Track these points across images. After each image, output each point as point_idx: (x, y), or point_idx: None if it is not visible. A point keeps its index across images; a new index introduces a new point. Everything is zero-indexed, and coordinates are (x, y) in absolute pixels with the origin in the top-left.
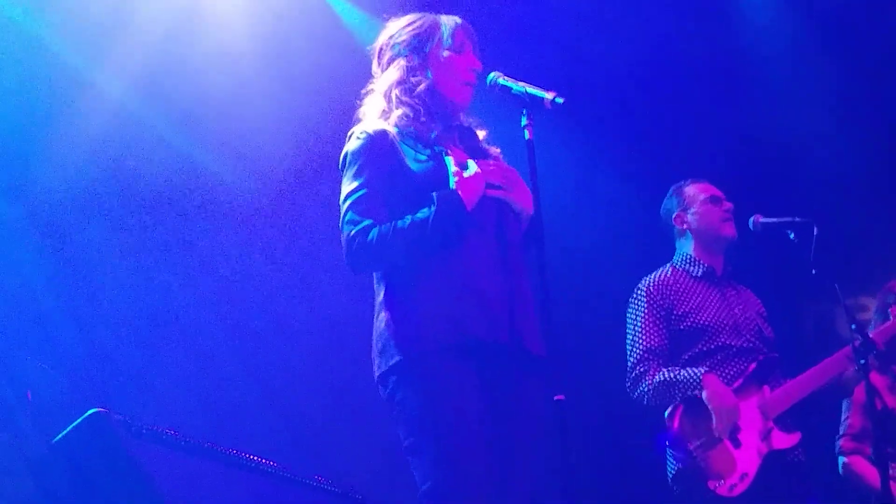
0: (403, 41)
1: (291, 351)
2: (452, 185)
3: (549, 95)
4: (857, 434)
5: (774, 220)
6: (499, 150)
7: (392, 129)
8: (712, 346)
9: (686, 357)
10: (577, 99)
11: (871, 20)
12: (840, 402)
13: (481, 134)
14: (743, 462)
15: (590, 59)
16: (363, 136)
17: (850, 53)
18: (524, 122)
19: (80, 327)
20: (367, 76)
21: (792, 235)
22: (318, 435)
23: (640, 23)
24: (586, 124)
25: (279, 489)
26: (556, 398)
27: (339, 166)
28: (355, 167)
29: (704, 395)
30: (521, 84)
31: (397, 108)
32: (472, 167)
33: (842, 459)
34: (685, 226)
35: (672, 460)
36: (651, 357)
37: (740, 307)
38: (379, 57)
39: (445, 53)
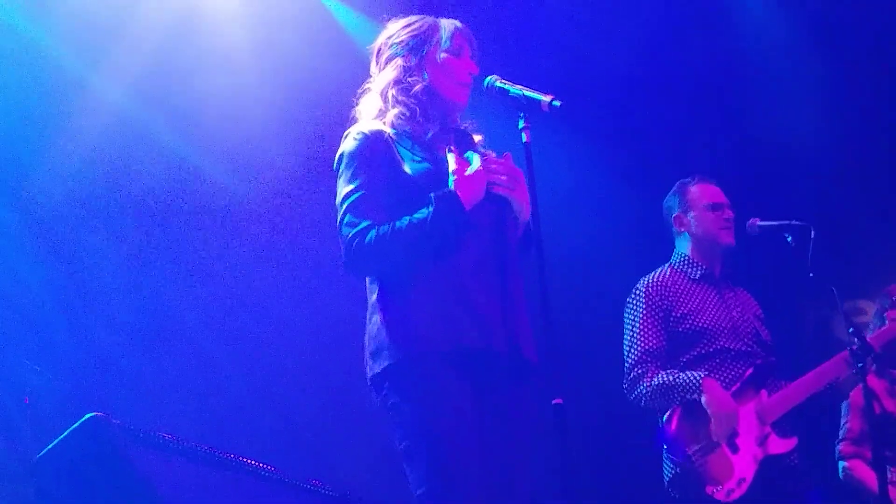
0: (402, 41)
1: (290, 354)
2: (451, 184)
3: (546, 98)
4: (856, 438)
5: (772, 223)
6: (495, 155)
7: (388, 130)
8: (711, 350)
9: (684, 360)
10: (574, 102)
11: (871, 23)
12: (838, 405)
13: (477, 138)
14: (740, 467)
15: (587, 63)
16: (359, 136)
17: (850, 56)
18: (521, 124)
19: (78, 332)
20: (365, 80)
21: (789, 239)
22: (315, 439)
23: (637, 26)
24: (583, 127)
25: (277, 493)
26: (554, 402)
27: (335, 167)
28: (352, 169)
29: (704, 399)
30: (519, 87)
31: (393, 108)
32: (476, 163)
33: (842, 464)
34: (683, 228)
35: (669, 464)
36: (649, 359)
37: (738, 310)
38: (377, 56)
39: (443, 55)
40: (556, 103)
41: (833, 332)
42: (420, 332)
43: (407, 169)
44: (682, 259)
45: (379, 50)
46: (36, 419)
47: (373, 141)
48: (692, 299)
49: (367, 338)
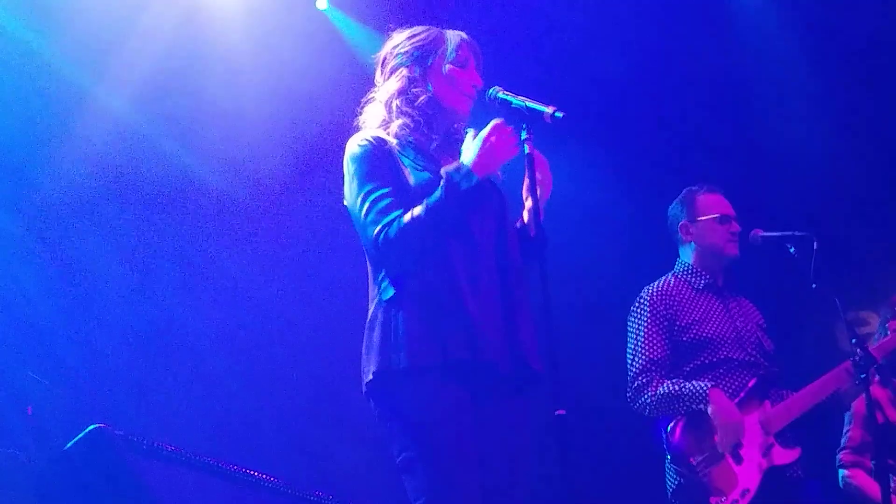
0: (407, 52)
1: (293, 363)
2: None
3: (548, 109)
4: (857, 447)
5: (774, 234)
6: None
7: (391, 140)
8: (715, 359)
9: (688, 369)
10: (577, 110)
11: (879, 34)
12: (841, 415)
13: None
14: (744, 478)
15: (589, 71)
16: (365, 143)
17: (855, 67)
18: (524, 135)
19: (81, 342)
20: (365, 89)
21: (792, 249)
22: (318, 449)
23: (640, 35)
24: (585, 136)
25: None
26: (557, 413)
27: (344, 174)
28: (364, 171)
29: (710, 409)
30: (521, 98)
31: (397, 119)
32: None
33: (842, 472)
34: (689, 237)
35: (673, 475)
36: (653, 368)
37: (741, 319)
38: (382, 66)
39: (448, 67)
40: (559, 114)
41: (836, 342)
42: (413, 346)
43: (410, 178)
44: (686, 268)
45: (384, 60)
46: (39, 430)
47: (378, 147)
48: (696, 309)
49: (364, 346)
